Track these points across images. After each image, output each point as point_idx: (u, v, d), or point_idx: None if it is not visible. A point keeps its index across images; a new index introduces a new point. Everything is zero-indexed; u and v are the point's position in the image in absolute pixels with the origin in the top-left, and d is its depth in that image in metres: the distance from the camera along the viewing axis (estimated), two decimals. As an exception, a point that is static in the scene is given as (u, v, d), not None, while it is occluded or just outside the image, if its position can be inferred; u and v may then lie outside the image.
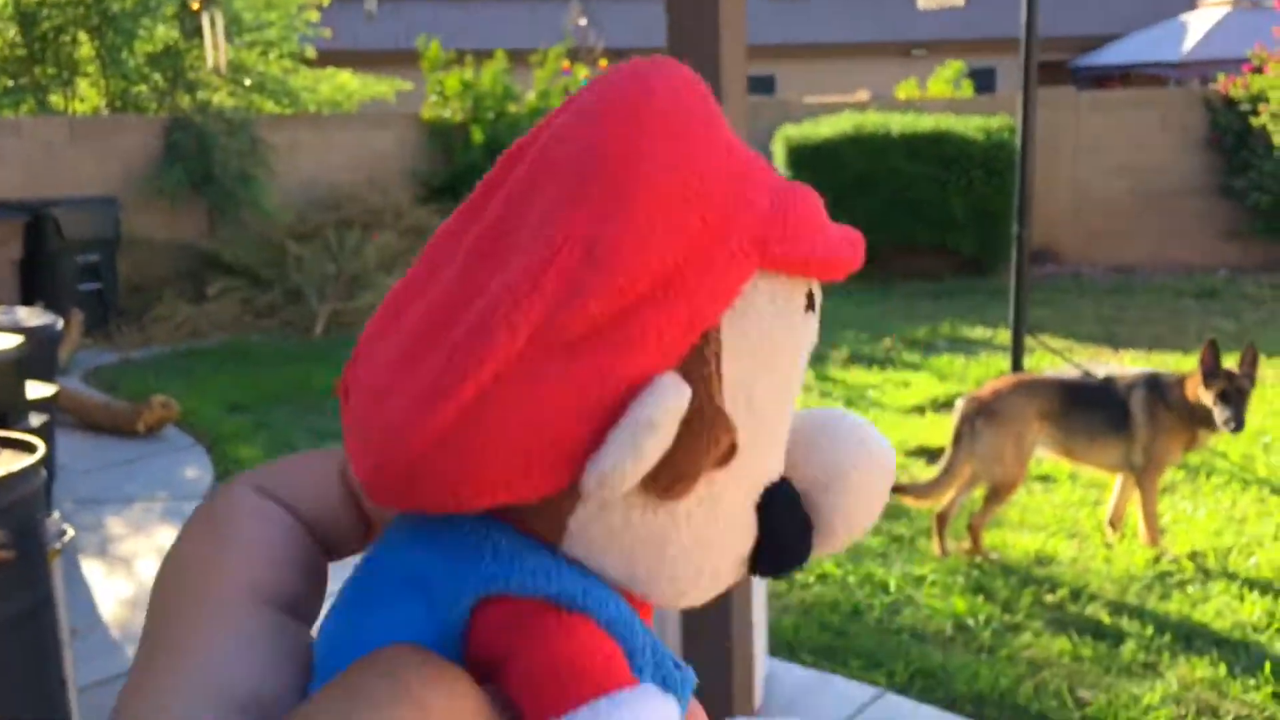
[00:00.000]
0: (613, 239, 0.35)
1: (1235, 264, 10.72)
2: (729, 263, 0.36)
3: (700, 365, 0.36)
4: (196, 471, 5.38)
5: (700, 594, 0.39)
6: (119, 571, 4.10)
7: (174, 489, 5.12)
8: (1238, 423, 3.70)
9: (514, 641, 0.35)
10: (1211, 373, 3.77)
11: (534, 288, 0.34)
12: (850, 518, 0.41)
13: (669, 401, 0.34)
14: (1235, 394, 3.72)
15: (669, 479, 0.35)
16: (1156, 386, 3.92)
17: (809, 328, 0.39)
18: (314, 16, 13.00)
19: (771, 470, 0.39)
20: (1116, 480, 4.07)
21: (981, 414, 3.91)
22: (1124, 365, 6.56)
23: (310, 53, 13.03)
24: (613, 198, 0.35)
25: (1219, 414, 3.72)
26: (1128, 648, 3.25)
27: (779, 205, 0.38)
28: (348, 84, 12.91)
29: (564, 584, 0.36)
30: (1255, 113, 10.35)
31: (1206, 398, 3.76)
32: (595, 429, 0.34)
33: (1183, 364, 6.63)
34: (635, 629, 0.37)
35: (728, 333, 0.36)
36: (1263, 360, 6.68)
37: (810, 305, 0.39)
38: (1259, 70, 10.26)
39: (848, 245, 0.40)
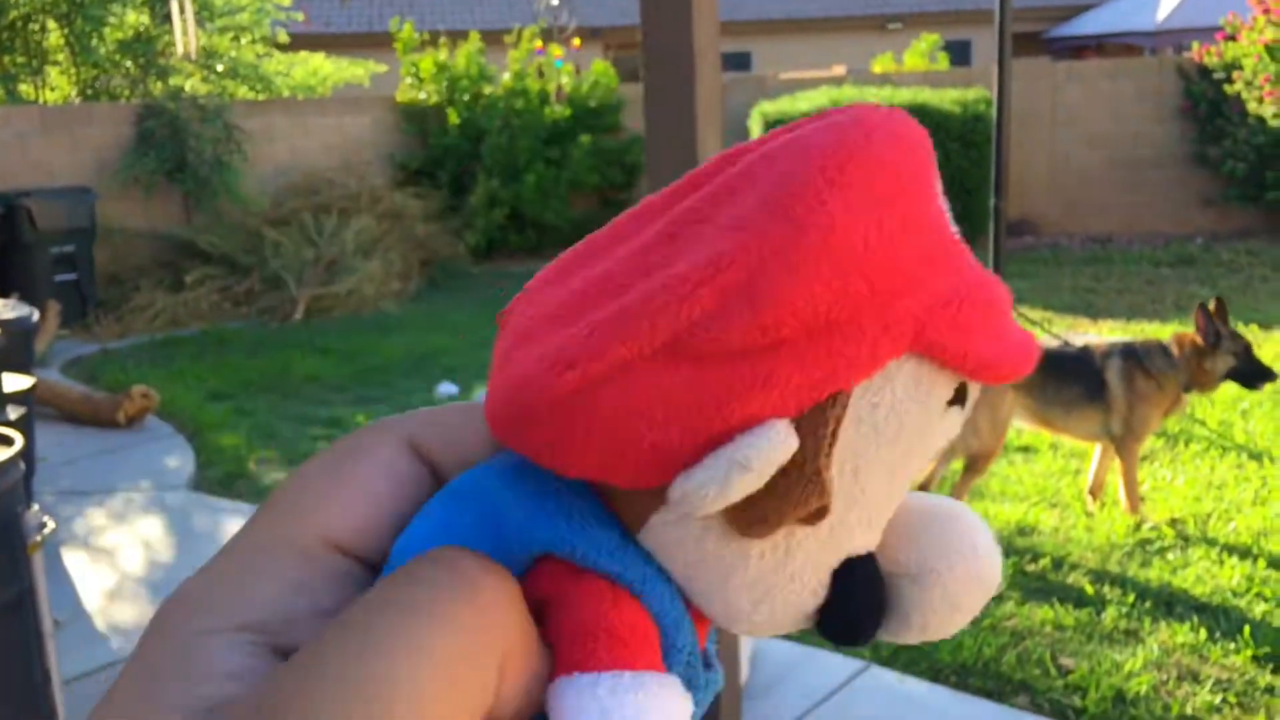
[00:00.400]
0: (774, 276, 0.35)
1: (1211, 231, 10.78)
2: (880, 336, 0.35)
3: (817, 424, 0.35)
4: (178, 461, 5.36)
5: (753, 629, 0.39)
6: (102, 562, 4.08)
7: (156, 479, 5.10)
8: (1271, 374, 3.90)
9: (565, 592, 0.36)
10: (1221, 335, 3.93)
11: (688, 296, 0.34)
12: (929, 617, 0.39)
13: (772, 450, 0.34)
14: (1245, 352, 3.87)
15: (749, 519, 0.36)
16: (1133, 355, 3.95)
17: (949, 421, 0.38)
18: (286, 0, 12.89)
19: (859, 544, 0.38)
20: (1095, 449, 4.10)
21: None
22: (1101, 335, 6.59)
23: (283, 37, 12.93)
24: (790, 235, 0.34)
25: (1247, 375, 3.88)
26: (1109, 615, 3.28)
27: (957, 295, 0.37)
28: (321, 68, 12.83)
29: (626, 565, 0.37)
30: (1229, 81, 10.38)
31: (1222, 361, 3.85)
32: (697, 446, 0.34)
33: (1160, 333, 6.67)
34: (682, 629, 0.38)
35: (857, 400, 0.36)
36: (1240, 326, 6.75)
37: (958, 400, 0.38)
38: (1232, 38, 10.29)
39: (1019, 353, 0.39)
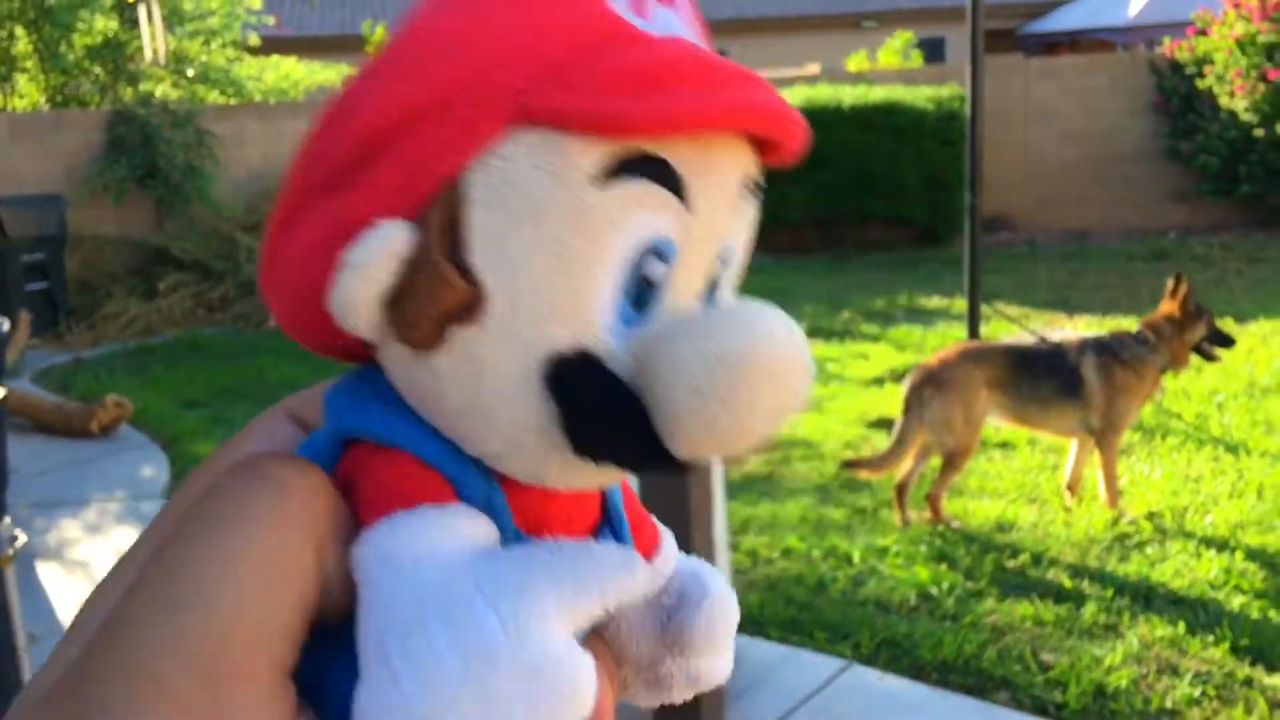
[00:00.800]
0: (363, 89, 0.38)
1: (1184, 225, 10.85)
2: (473, 114, 0.37)
3: (431, 215, 0.37)
4: (153, 470, 5.31)
5: (519, 464, 0.40)
6: (77, 574, 4.04)
7: (131, 488, 5.05)
8: (1231, 339, 4.16)
9: (356, 472, 0.39)
10: (1198, 309, 4.07)
11: (311, 137, 0.38)
12: (686, 411, 0.37)
13: (375, 245, 0.36)
14: (1211, 318, 4.10)
15: (403, 326, 0.38)
16: (1107, 349, 3.97)
17: (619, 197, 0.37)
18: (256, 4, 12.82)
19: (556, 340, 0.38)
20: (1072, 445, 4.11)
21: (929, 383, 3.92)
22: (1078, 330, 6.62)
23: (254, 40, 12.85)
24: (381, 55, 0.38)
25: (1215, 341, 4.07)
26: (1089, 610, 3.28)
27: (577, 58, 0.38)
28: (293, 72, 12.75)
29: (386, 427, 0.40)
30: (1201, 75, 10.45)
31: (1198, 331, 4.00)
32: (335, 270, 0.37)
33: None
34: (466, 477, 0.40)
35: (478, 185, 0.37)
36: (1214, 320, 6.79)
37: (626, 171, 0.37)
38: (1203, 33, 10.36)
39: (692, 106, 0.38)
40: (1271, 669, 2.91)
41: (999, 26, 18.19)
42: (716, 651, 0.51)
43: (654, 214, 0.38)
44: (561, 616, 0.37)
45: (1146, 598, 3.35)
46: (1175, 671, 2.94)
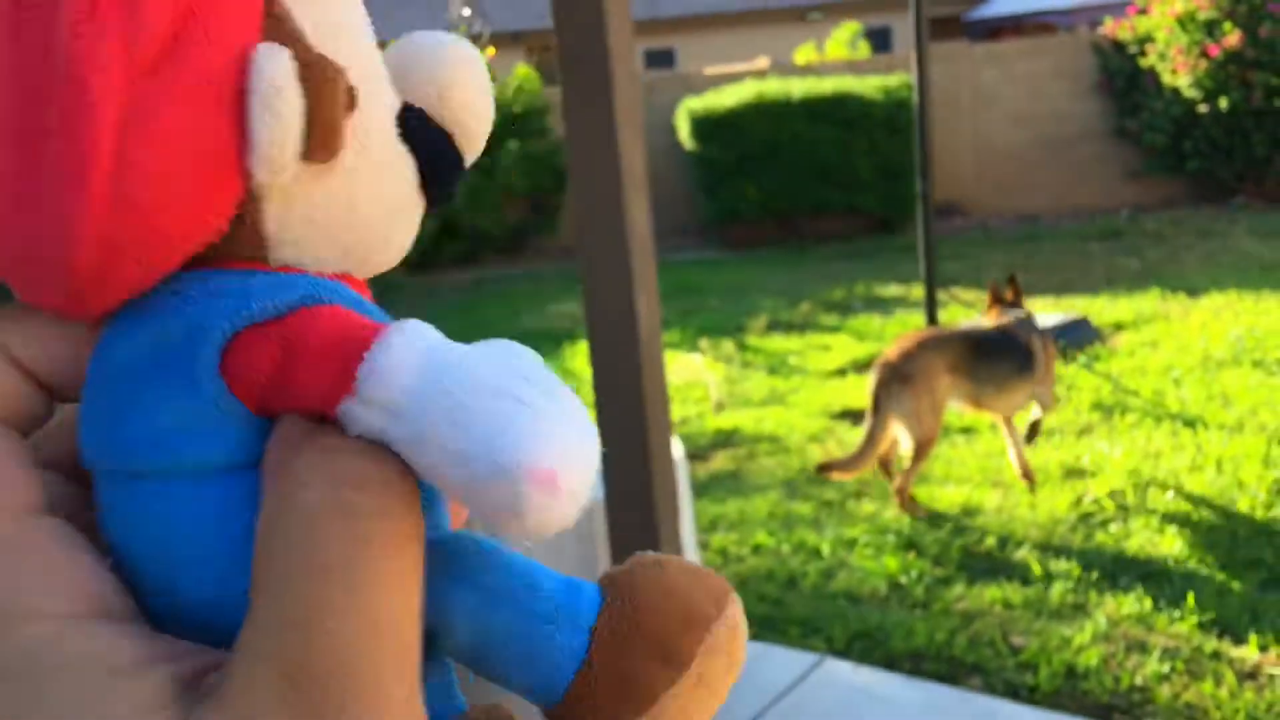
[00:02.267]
0: None
1: (1135, 203, 10.97)
2: None
3: (278, 26, 0.36)
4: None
5: (405, 238, 0.40)
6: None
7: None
8: None
9: (284, 348, 0.33)
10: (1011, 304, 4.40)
11: (93, 24, 0.32)
12: (474, 109, 0.41)
13: (274, 63, 0.34)
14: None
15: (320, 137, 0.35)
16: (1034, 327, 4.24)
17: None
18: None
19: (391, 100, 0.39)
20: (1006, 438, 4.16)
21: (896, 378, 3.93)
22: (1034, 313, 6.69)
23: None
24: None
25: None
26: (1056, 590, 3.31)
27: None
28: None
29: (299, 287, 0.35)
30: (1143, 54, 10.58)
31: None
32: (233, 123, 0.33)
33: (1091, 306, 6.78)
34: (370, 310, 0.37)
35: None
36: (1167, 295, 6.88)
37: None
38: (1144, 12, 10.48)
39: None
40: (1238, 641, 2.95)
41: (944, 14, 18.33)
42: None
43: None
44: None
45: (1112, 576, 3.38)
46: (1144, 648, 2.96)
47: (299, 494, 0.31)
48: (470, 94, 0.40)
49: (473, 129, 0.41)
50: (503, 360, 0.32)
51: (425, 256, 10.80)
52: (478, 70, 0.41)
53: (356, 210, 0.38)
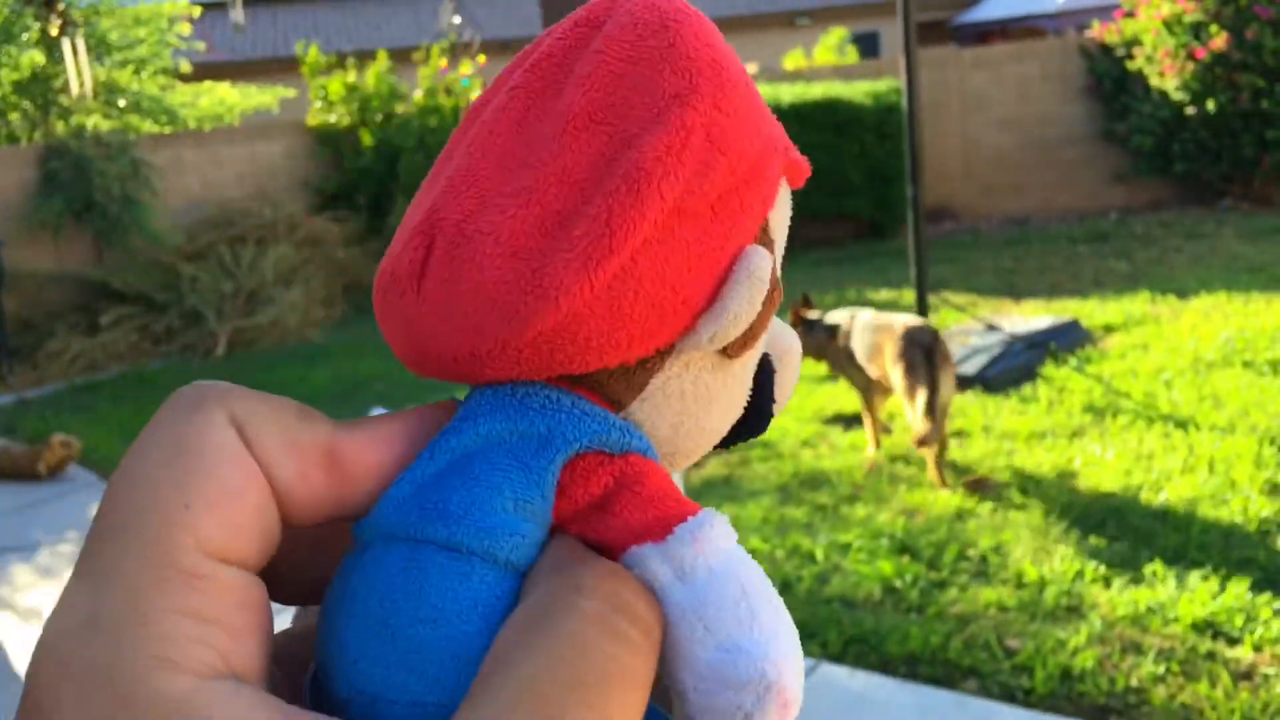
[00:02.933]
0: (726, 127, 0.39)
1: (1124, 206, 11.01)
2: (779, 156, 0.42)
3: (765, 238, 0.41)
4: (104, 509, 5.20)
5: (700, 453, 0.43)
6: (31, 621, 3.96)
7: (82, 529, 4.95)
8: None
9: (619, 480, 0.37)
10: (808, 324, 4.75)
11: (677, 162, 0.38)
12: (786, 390, 0.46)
13: (766, 264, 0.39)
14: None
15: (747, 338, 0.40)
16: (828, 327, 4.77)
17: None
18: (186, 30, 12.65)
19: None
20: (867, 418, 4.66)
21: (936, 343, 4.15)
22: (1025, 316, 6.69)
23: (185, 67, 12.69)
24: (721, 92, 0.39)
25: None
26: (1050, 593, 3.31)
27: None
28: (227, 97, 12.61)
29: (644, 440, 0.39)
30: (1130, 57, 10.61)
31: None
32: (711, 289, 0.38)
33: (1081, 309, 6.80)
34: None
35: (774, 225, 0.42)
36: (1156, 297, 6.89)
37: None
38: (1131, 15, 10.52)
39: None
40: (1232, 642, 2.95)
41: (932, 19, 18.39)
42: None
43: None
44: None
45: (1106, 578, 3.38)
46: (1139, 650, 2.96)
47: (577, 600, 0.32)
48: (787, 375, 0.46)
49: (780, 400, 0.45)
50: (761, 572, 0.37)
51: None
52: (797, 363, 0.47)
53: (711, 408, 0.41)
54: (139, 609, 0.31)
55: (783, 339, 0.46)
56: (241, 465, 0.33)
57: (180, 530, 0.31)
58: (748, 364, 0.42)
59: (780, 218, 0.43)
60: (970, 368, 5.53)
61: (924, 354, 4.11)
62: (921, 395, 4.04)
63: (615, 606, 0.32)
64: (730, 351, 0.41)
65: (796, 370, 0.46)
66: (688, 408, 0.41)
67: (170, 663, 0.30)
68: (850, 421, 5.20)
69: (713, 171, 0.40)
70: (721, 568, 0.35)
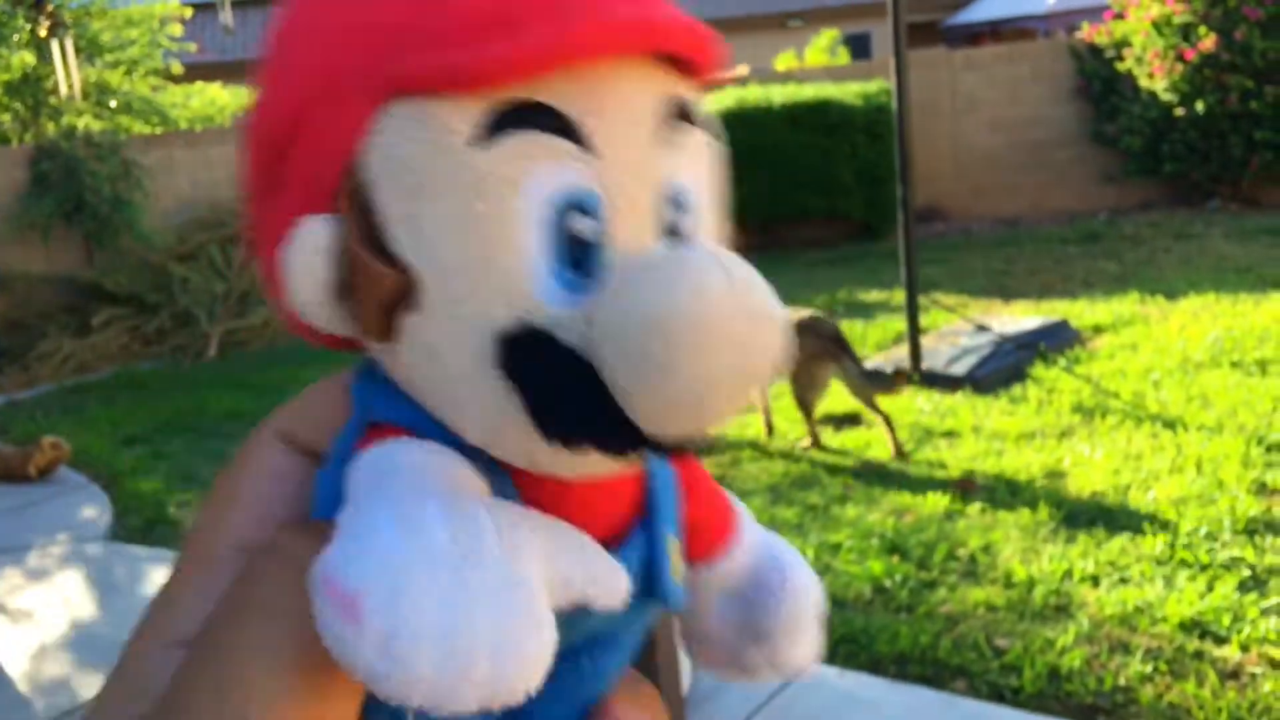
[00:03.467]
0: (258, 102, 0.39)
1: (1113, 207, 11.04)
2: (343, 98, 0.37)
3: (343, 204, 0.37)
4: (94, 511, 5.21)
5: (508, 452, 0.39)
6: (22, 623, 3.95)
7: (73, 531, 4.95)
8: None
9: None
10: None
11: (242, 149, 0.40)
12: (630, 381, 0.35)
13: (299, 243, 0.37)
14: None
15: (356, 320, 0.38)
16: None
17: (499, 155, 0.36)
18: (177, 31, 12.63)
19: (496, 317, 0.36)
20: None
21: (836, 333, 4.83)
22: (1016, 317, 6.71)
23: (176, 68, 12.67)
24: (262, 60, 0.40)
25: None
26: (1039, 592, 3.32)
27: (432, 15, 0.37)
28: (219, 97, 12.59)
29: (400, 412, 0.39)
30: (1120, 58, 10.64)
31: None
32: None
33: (1071, 309, 6.82)
34: (475, 464, 0.39)
35: (373, 169, 0.36)
36: (1145, 298, 6.92)
37: (509, 125, 0.35)
38: (1120, 16, 10.55)
39: (530, 47, 0.35)
40: (1220, 641, 2.97)
41: (922, 20, 18.42)
42: (798, 640, 0.51)
43: (553, 165, 0.36)
44: (542, 578, 0.34)
45: (1094, 577, 3.39)
46: (1126, 649, 2.98)
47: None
48: (642, 356, 0.36)
49: (648, 382, 0.35)
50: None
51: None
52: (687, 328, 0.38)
53: (422, 395, 0.39)
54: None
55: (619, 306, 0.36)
56: (270, 474, 0.43)
57: (217, 531, 0.42)
58: (431, 346, 0.37)
59: (391, 160, 0.36)
60: (960, 368, 5.54)
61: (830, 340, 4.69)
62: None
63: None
64: (364, 334, 0.38)
65: (667, 351, 0.34)
66: (406, 388, 0.39)
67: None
68: (841, 422, 5.21)
69: (252, 149, 0.40)
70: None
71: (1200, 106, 9.86)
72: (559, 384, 0.36)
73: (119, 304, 9.12)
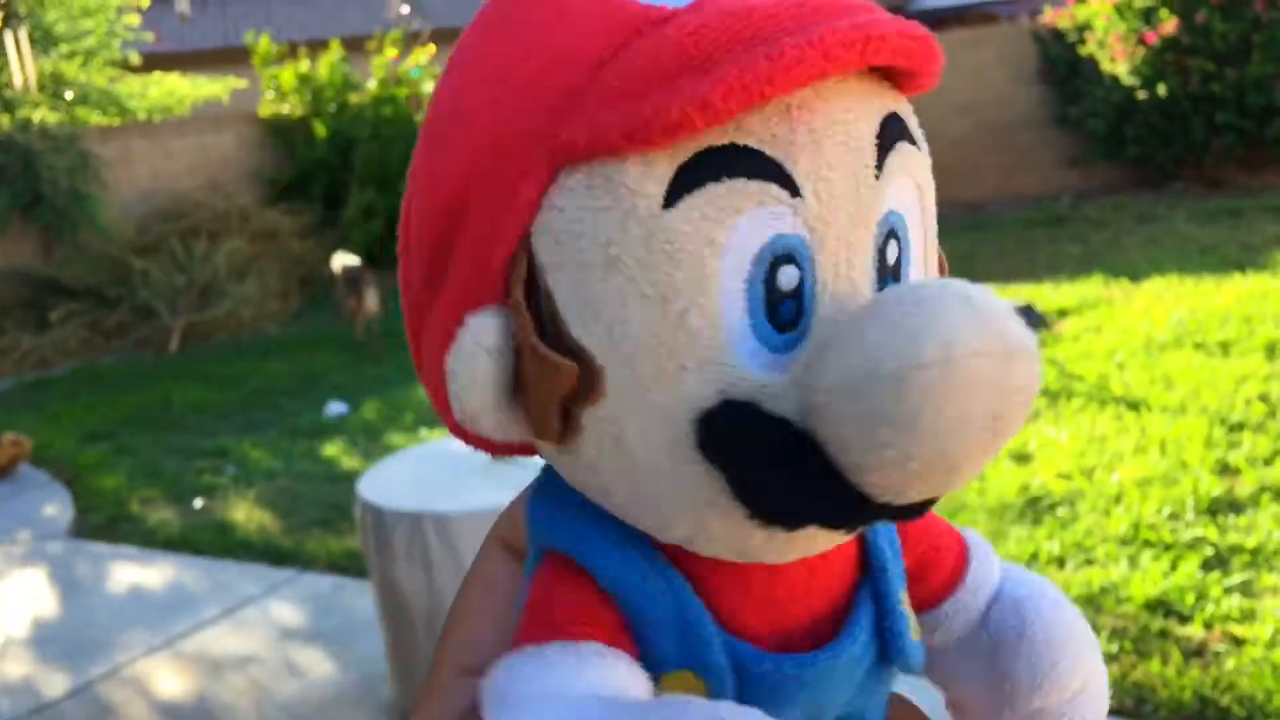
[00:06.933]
0: (416, 186, 0.36)
1: (1078, 189, 11.11)
2: (508, 174, 0.32)
3: (514, 293, 0.33)
4: (56, 508, 5.13)
5: (716, 546, 0.34)
6: (-20, 623, 3.89)
7: (34, 529, 4.88)
8: None
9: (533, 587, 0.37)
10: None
11: (401, 239, 0.39)
12: (858, 444, 0.30)
13: (465, 346, 0.33)
14: None
15: (532, 421, 0.34)
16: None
17: (692, 211, 0.31)
18: (134, 21, 12.45)
19: (693, 394, 0.32)
20: None
21: (361, 273, 6.08)
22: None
23: (134, 58, 12.49)
24: (420, 141, 0.37)
25: None
26: (1006, 575, 3.33)
27: (608, 68, 0.32)
28: (177, 88, 12.41)
29: (575, 537, 0.36)
30: (1082, 42, 10.70)
31: None
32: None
33: (1036, 293, 6.85)
34: (650, 590, 0.35)
35: (545, 248, 0.32)
36: (1109, 280, 6.96)
37: (691, 181, 0.31)
38: (1082, 0, 10.60)
39: (720, 85, 0.30)
40: (1183, 620, 2.99)
41: (888, 5, 18.43)
42: (1058, 689, 0.43)
43: (756, 214, 0.31)
44: None
45: (1060, 559, 3.41)
46: (1093, 629, 2.98)
47: None
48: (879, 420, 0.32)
49: (879, 449, 0.31)
50: None
51: (372, 257, 10.67)
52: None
53: (611, 498, 0.35)
54: None
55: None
56: (488, 588, 0.43)
57: (445, 652, 0.43)
58: (619, 436, 0.33)
59: (559, 235, 0.32)
60: (926, 352, 5.56)
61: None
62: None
63: None
64: (541, 436, 0.34)
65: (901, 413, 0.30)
66: (590, 493, 0.36)
67: None
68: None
69: (412, 243, 0.38)
70: None
71: (1162, 89, 9.92)
72: (771, 460, 0.32)
73: (78, 298, 8.99)
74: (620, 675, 0.34)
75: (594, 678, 0.33)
